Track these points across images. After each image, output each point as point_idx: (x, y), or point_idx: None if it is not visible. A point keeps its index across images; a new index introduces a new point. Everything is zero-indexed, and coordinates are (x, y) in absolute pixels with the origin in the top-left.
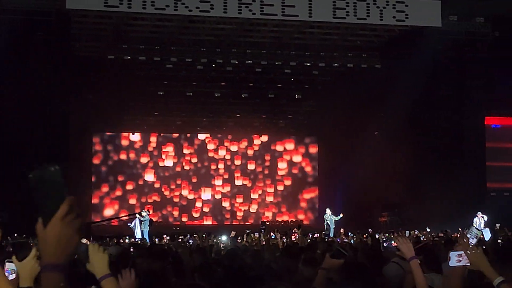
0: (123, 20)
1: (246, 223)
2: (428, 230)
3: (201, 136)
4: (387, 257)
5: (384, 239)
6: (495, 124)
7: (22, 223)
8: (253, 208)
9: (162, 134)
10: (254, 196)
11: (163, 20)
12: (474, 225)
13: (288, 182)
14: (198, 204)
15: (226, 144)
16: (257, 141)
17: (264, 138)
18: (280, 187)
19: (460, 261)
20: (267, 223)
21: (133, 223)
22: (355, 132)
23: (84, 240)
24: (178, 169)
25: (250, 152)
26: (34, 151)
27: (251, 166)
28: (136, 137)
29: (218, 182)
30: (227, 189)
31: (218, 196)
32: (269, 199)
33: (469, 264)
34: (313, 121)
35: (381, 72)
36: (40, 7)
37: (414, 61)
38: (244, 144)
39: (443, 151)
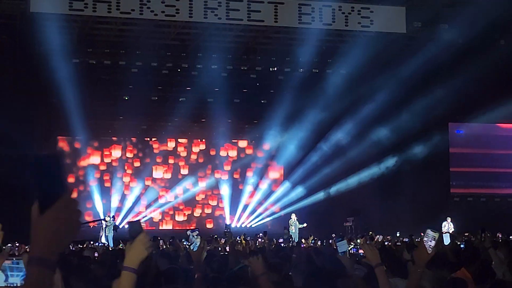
0: (88, 24)
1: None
2: (398, 234)
3: (164, 140)
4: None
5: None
6: (458, 130)
7: None
8: (203, 214)
9: (131, 138)
10: (213, 202)
11: (128, 24)
12: (443, 228)
13: (250, 188)
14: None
15: (193, 148)
16: (220, 145)
17: (230, 142)
18: (245, 191)
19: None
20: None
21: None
22: (320, 137)
23: (143, 224)
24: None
25: (214, 157)
26: None
27: (214, 171)
28: (100, 142)
29: (174, 186)
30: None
31: (176, 200)
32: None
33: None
34: (278, 126)
35: (346, 77)
36: (3, 10)
37: (378, 67)
38: (208, 148)
39: (407, 156)
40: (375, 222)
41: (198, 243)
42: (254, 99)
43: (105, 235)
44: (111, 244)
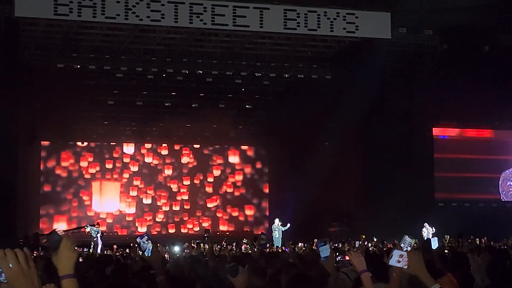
0: (73, 28)
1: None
2: (375, 239)
3: (149, 146)
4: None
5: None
6: (442, 135)
7: None
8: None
9: (115, 143)
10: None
11: (113, 29)
12: (423, 234)
13: (237, 193)
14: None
15: (176, 152)
16: (205, 151)
17: (214, 147)
18: (230, 197)
19: (400, 262)
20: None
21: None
22: (305, 142)
23: (60, 231)
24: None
25: (198, 163)
26: None
27: (198, 177)
28: (85, 146)
29: (160, 191)
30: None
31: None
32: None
33: (406, 267)
34: (263, 131)
35: (332, 83)
36: None
37: (364, 73)
38: (192, 153)
39: (392, 162)
40: (360, 227)
41: (150, 248)
42: (239, 104)
43: (98, 243)
44: (98, 250)
